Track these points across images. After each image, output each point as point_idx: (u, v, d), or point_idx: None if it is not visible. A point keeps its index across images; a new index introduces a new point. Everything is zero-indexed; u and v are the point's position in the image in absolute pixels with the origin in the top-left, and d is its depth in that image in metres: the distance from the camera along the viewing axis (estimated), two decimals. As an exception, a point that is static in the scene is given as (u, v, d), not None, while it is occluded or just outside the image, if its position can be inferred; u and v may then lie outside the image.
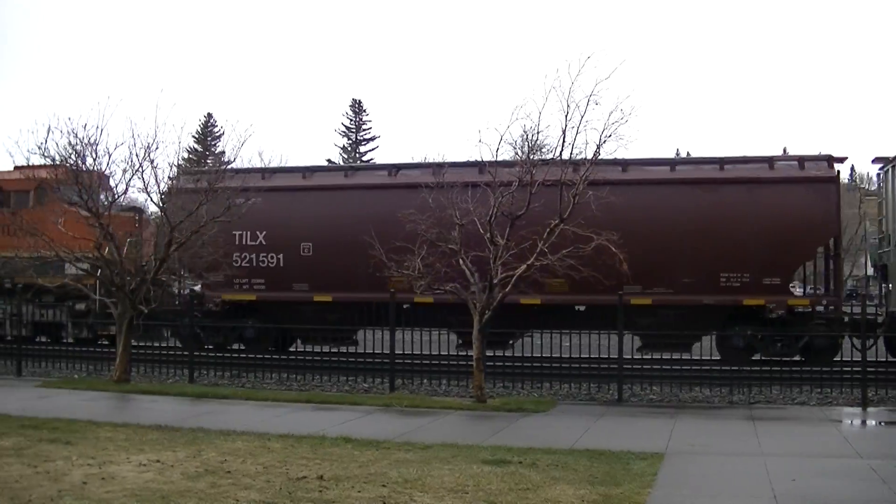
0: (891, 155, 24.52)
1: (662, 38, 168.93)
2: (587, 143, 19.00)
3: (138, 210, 30.23)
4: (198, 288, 27.23)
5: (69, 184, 22.45)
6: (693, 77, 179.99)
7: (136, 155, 21.62)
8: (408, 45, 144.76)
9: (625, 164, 24.19)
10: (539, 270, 18.80)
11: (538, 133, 19.34)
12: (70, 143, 21.61)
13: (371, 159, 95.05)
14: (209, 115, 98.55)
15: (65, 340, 28.33)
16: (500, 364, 22.33)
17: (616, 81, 18.94)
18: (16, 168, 28.49)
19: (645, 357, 23.62)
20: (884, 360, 22.72)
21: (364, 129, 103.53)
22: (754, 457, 12.87)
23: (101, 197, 22.21)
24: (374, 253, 20.17)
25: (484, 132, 26.50)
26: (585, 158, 18.98)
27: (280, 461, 11.97)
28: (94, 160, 21.76)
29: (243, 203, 22.13)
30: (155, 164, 21.84)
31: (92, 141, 21.56)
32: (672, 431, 15.22)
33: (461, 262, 18.77)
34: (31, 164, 23.50)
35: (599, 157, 18.72)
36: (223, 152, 35.99)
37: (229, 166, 23.87)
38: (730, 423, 16.51)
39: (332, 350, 24.93)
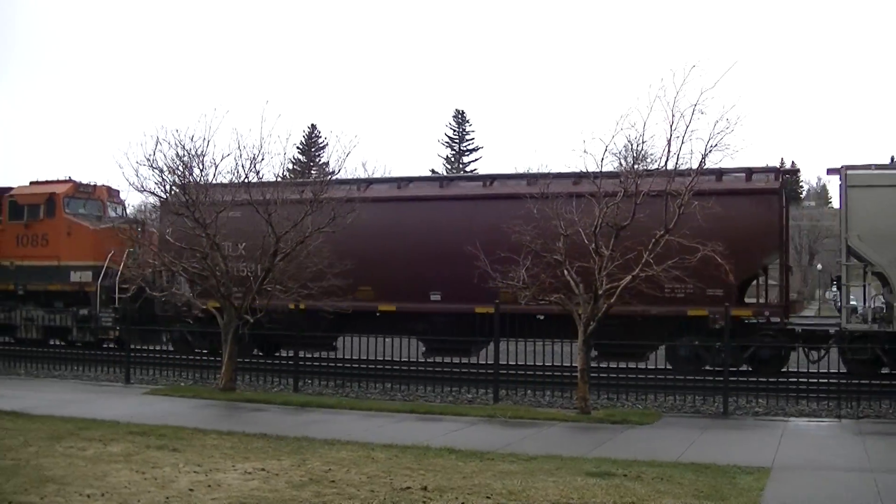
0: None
1: (769, 44, 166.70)
2: (692, 153, 18.81)
3: (140, 223, 32.15)
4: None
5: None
6: (804, 81, 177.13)
7: (242, 166, 21.92)
8: (512, 56, 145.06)
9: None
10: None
11: (643, 143, 19.18)
12: (178, 155, 21.95)
13: (474, 170, 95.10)
14: (313, 126, 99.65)
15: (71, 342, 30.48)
16: (605, 375, 22.10)
17: (721, 90, 18.69)
18: (31, 183, 33.01)
19: (751, 370, 23.28)
20: None
21: (467, 140, 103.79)
22: (863, 472, 12.61)
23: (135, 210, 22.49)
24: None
25: (588, 142, 26.28)
26: (690, 168, 18.78)
27: (384, 471, 11.98)
28: (201, 171, 22.06)
29: (349, 213, 22.20)
30: (260, 174, 22.11)
31: (199, 152, 21.88)
32: (779, 445, 14.94)
33: (566, 272, 18.66)
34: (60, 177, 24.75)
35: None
36: (327, 163, 36.35)
37: (334, 177, 24.03)
38: (838, 438, 16.21)
39: (438, 360, 24.93)
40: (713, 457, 13.40)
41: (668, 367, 23.07)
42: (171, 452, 13.21)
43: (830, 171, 24.19)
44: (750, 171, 24.64)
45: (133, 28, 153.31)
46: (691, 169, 18.97)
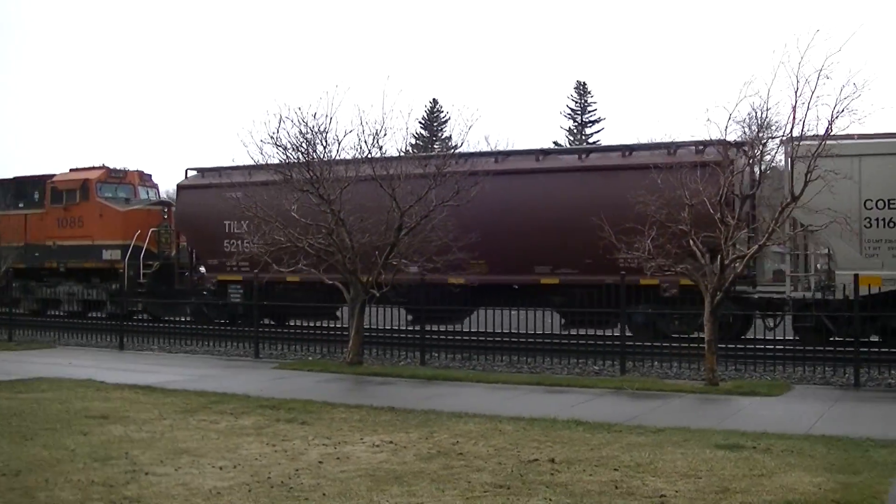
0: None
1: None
2: (818, 120, 18.40)
3: (166, 203, 36.27)
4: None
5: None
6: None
7: (365, 142, 22.05)
8: (634, 26, 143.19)
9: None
10: None
11: (767, 110, 18.84)
12: (301, 132, 22.19)
13: (597, 141, 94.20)
14: (434, 101, 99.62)
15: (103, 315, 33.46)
16: (732, 347, 21.88)
17: (847, 54, 18.18)
18: (70, 170, 37.13)
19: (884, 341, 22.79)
20: None
21: (589, 111, 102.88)
22: None
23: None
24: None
25: (712, 111, 25.86)
26: (817, 135, 18.39)
27: (511, 443, 12.00)
28: (325, 148, 22.27)
29: (473, 187, 22.24)
30: (383, 150, 22.24)
31: (322, 129, 22.08)
32: (915, 417, 14.60)
33: (692, 242, 18.46)
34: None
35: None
36: (449, 137, 36.53)
37: (457, 150, 24.08)
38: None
39: (563, 333, 24.95)
40: (844, 429, 13.09)
41: (796, 337, 22.80)
42: (301, 426, 13.43)
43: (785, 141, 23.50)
44: (703, 144, 24.05)
45: (258, 11, 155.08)
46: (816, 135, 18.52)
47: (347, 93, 27.64)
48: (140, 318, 34.44)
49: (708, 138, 20.47)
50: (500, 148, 27.56)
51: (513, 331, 23.43)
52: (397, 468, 10.47)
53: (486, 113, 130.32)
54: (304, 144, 22.17)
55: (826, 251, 24.15)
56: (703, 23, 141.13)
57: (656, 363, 21.50)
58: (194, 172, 34.00)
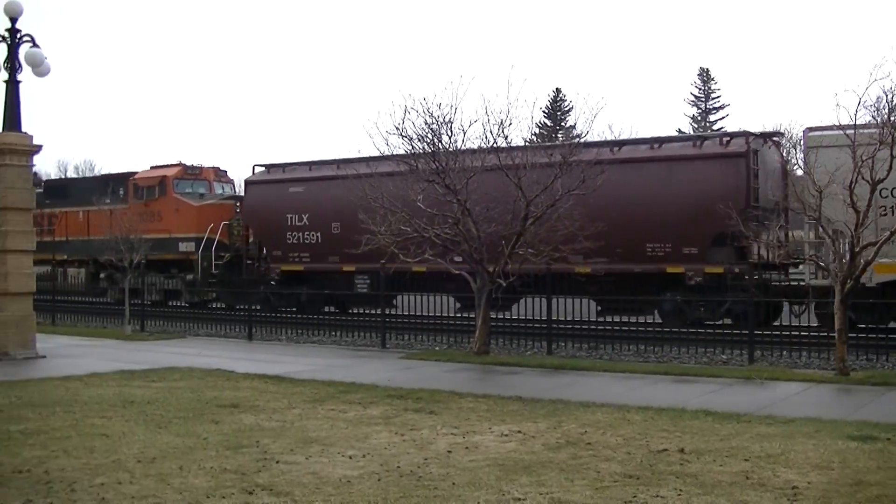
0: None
1: None
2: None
3: (238, 198, 38.13)
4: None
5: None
6: None
7: (490, 131, 22.01)
8: (756, 10, 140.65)
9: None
10: None
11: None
12: (426, 123, 22.22)
13: (721, 128, 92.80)
14: (557, 90, 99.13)
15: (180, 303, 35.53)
16: (864, 336, 21.40)
17: None
18: (151, 168, 40.21)
19: None
20: None
21: (713, 98, 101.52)
22: None
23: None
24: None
25: (840, 95, 25.28)
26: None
27: (640, 433, 11.84)
28: (450, 138, 22.27)
29: (599, 175, 22.06)
30: (509, 139, 22.18)
31: (446, 119, 22.09)
32: None
33: (821, 229, 18.09)
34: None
35: None
36: (573, 126, 36.36)
37: (582, 139, 23.96)
38: None
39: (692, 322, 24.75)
40: None
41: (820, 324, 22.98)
42: (429, 415, 13.43)
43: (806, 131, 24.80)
44: (728, 136, 26.63)
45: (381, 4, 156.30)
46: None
47: (472, 83, 27.62)
48: (215, 306, 37.70)
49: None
50: (623, 136, 27.29)
51: (639, 320, 23.33)
52: (526, 458, 10.39)
53: (609, 101, 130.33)
54: (429, 135, 22.22)
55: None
56: (831, 5, 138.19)
57: (785, 352, 21.09)
58: (261, 168, 36.02)
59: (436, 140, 22.19)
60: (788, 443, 11.10)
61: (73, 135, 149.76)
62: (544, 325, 23.43)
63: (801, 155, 24.34)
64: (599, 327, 24.53)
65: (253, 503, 8.61)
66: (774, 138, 25.47)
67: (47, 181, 51.11)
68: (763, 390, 16.40)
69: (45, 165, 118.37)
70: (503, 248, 21.64)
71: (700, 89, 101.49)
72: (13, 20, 21.73)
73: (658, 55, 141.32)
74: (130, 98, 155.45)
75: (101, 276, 39.42)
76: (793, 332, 22.14)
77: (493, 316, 23.94)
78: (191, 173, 38.72)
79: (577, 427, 12.31)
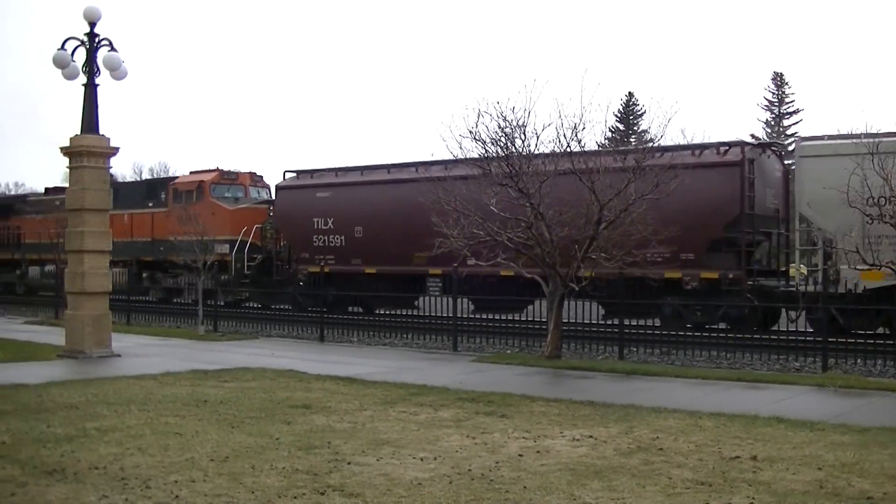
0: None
1: None
2: None
3: (271, 202, 39.33)
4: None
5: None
6: None
7: (564, 135, 21.92)
8: (831, 14, 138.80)
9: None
10: None
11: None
12: (500, 126, 22.18)
13: (795, 133, 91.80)
14: (630, 94, 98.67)
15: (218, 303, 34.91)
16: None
17: None
18: (190, 173, 42.40)
19: None
20: None
21: (787, 103, 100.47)
22: None
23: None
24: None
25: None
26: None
27: (712, 440, 11.73)
28: (523, 142, 22.21)
29: (673, 181, 21.91)
30: (582, 143, 22.08)
31: (520, 123, 22.03)
32: None
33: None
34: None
35: None
36: (645, 131, 36.13)
37: (656, 143, 23.81)
38: None
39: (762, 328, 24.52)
40: None
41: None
42: (500, 418, 13.40)
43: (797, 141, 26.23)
44: (727, 145, 27.33)
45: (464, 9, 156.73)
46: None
47: (546, 86, 27.57)
48: (248, 305, 39.46)
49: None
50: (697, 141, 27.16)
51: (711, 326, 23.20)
52: (597, 462, 10.33)
53: (682, 106, 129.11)
54: (502, 139, 22.19)
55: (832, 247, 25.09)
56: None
57: (859, 360, 20.77)
58: (292, 174, 37.77)
59: (509, 144, 22.15)
60: (863, 452, 10.92)
61: (148, 137, 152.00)
62: (616, 330, 23.30)
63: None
64: (671, 332, 24.33)
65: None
66: (773, 147, 26.08)
67: None
68: (837, 398, 16.19)
69: (121, 167, 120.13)
70: (576, 253, 21.54)
71: (774, 94, 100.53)
72: (92, 24, 22.02)
73: (732, 59, 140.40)
74: (203, 101, 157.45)
75: (144, 276, 42.18)
76: (867, 340, 21.81)
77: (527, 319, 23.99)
78: (227, 178, 40.45)
79: (648, 432, 12.22)
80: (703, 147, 27.19)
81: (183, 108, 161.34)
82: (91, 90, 22.18)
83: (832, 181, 21.38)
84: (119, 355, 22.18)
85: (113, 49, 22.07)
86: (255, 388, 16.53)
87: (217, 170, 40.59)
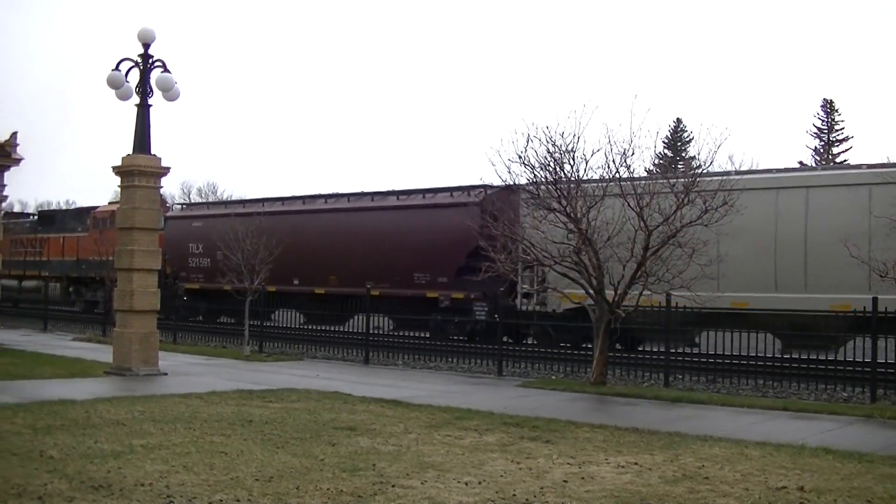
0: None
1: None
2: None
3: None
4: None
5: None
6: None
7: (613, 161, 21.89)
8: (884, 41, 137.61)
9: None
10: None
11: None
12: (549, 151, 22.18)
13: (845, 160, 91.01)
14: (678, 120, 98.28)
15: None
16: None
17: None
18: (109, 203, 46.55)
19: None
20: None
21: (837, 130, 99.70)
22: None
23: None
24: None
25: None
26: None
27: (758, 469, 11.61)
28: (572, 167, 22.20)
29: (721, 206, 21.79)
30: (631, 169, 22.03)
31: (569, 148, 22.02)
32: None
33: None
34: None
35: None
36: (693, 157, 36.00)
37: (706, 170, 23.70)
38: None
39: (811, 357, 24.22)
40: None
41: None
42: (545, 444, 13.35)
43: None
44: (476, 189, 31.64)
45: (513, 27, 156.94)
46: None
47: (595, 112, 27.62)
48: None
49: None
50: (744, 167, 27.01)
51: (759, 354, 23.01)
52: (642, 490, 10.27)
53: (731, 132, 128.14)
54: (551, 164, 22.19)
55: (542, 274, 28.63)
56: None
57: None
58: (178, 206, 45.44)
59: (558, 168, 22.15)
60: (914, 485, 10.80)
61: (197, 157, 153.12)
62: (662, 357, 23.19)
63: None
64: (717, 360, 24.16)
65: (368, 525, 8.65)
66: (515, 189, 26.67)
67: (40, 211, 65.75)
68: (886, 429, 16.03)
69: (170, 187, 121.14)
70: (623, 278, 21.49)
71: (823, 121, 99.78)
72: (146, 46, 22.29)
73: (781, 87, 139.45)
74: (253, 121, 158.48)
75: (70, 290, 48.56)
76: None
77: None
78: None
79: (694, 461, 12.13)
80: (461, 189, 33.26)
81: (233, 127, 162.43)
82: (143, 110, 22.43)
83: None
84: (165, 374, 22.35)
85: (166, 70, 22.31)
86: (300, 409, 16.57)
87: None
